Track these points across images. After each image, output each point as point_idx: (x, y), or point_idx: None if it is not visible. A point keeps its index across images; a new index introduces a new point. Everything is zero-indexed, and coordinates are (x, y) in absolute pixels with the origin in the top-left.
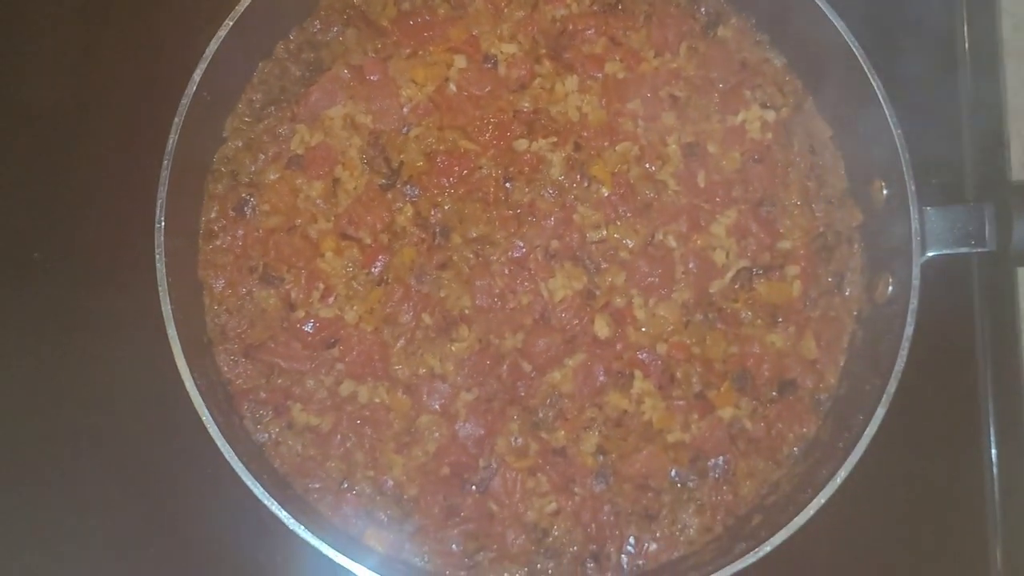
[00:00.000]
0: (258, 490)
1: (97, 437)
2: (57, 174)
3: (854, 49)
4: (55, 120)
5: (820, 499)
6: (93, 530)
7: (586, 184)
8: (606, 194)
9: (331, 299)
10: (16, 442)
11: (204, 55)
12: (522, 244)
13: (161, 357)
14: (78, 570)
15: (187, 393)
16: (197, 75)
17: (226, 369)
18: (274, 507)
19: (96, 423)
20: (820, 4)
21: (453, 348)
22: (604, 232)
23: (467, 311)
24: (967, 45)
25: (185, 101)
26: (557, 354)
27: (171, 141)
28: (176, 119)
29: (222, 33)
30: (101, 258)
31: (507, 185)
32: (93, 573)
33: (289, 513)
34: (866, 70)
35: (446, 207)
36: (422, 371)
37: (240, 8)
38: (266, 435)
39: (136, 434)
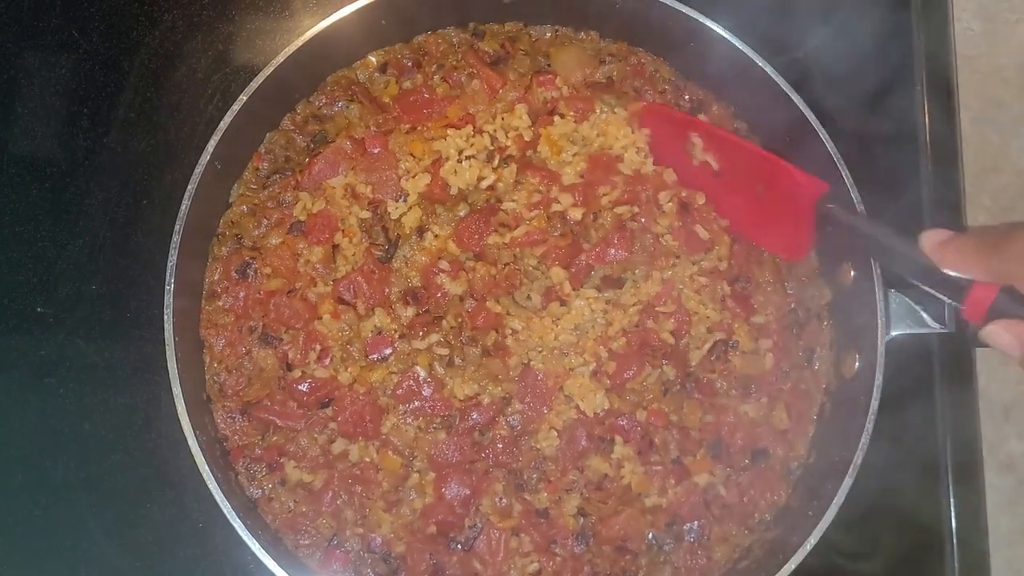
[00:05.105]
0: (255, 546)
1: (91, 488)
2: (63, 231)
3: (826, 143)
4: (64, 178)
5: (790, 565)
6: None
7: None
8: None
9: (327, 360)
10: (12, 491)
11: (219, 127)
12: None
13: (158, 412)
14: None
15: (181, 447)
16: (211, 146)
17: (223, 426)
18: (270, 562)
19: (90, 475)
20: (793, 97)
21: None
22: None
23: None
24: (928, 136)
25: (199, 170)
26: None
27: (184, 207)
28: (189, 187)
29: (236, 107)
30: (103, 313)
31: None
32: None
33: (285, 569)
34: (835, 160)
35: None
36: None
37: (254, 84)
38: (260, 491)
39: (129, 486)
